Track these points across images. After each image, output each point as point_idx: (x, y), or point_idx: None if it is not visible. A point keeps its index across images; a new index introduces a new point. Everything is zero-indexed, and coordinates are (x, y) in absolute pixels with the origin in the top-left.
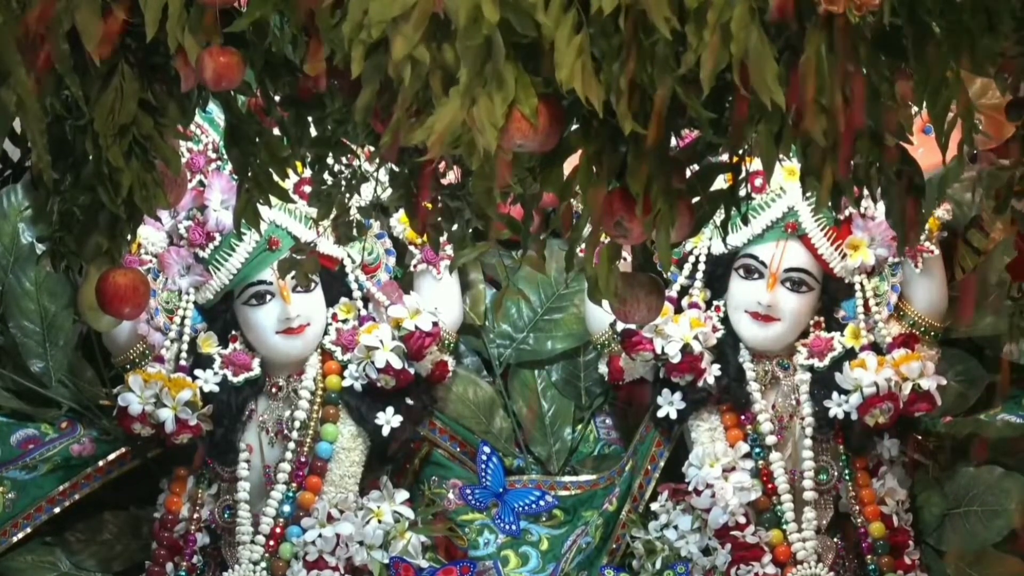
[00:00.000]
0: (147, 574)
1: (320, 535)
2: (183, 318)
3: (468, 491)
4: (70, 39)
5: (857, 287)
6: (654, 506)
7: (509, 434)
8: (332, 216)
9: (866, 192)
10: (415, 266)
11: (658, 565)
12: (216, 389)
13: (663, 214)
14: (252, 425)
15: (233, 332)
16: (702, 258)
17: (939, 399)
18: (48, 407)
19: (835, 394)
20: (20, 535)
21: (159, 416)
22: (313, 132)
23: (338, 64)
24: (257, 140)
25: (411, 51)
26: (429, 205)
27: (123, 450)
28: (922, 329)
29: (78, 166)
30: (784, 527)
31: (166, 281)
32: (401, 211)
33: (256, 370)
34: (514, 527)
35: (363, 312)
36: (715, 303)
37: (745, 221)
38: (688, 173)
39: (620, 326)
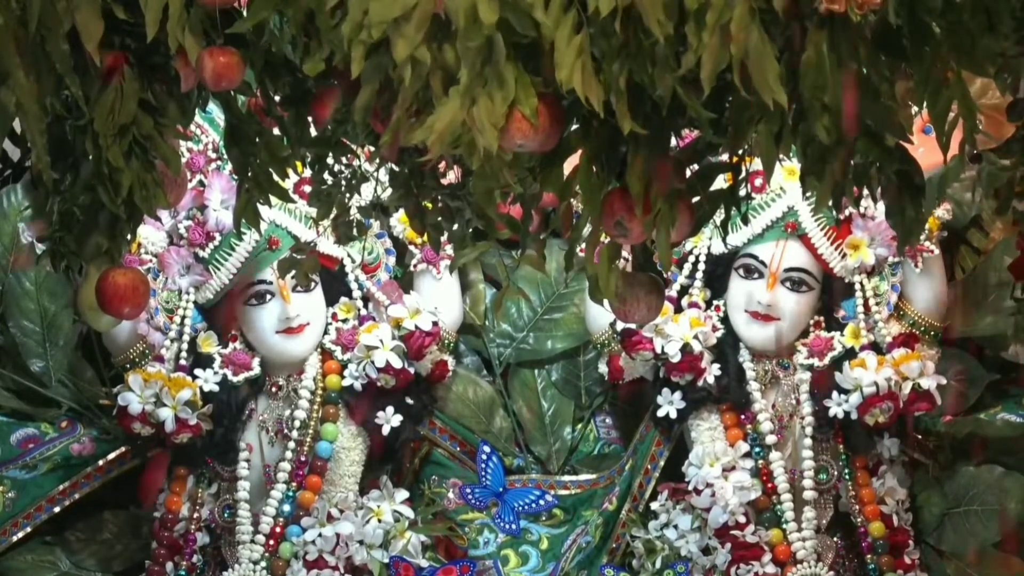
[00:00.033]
0: (147, 574)
1: (320, 534)
2: (183, 318)
3: (468, 491)
4: (70, 39)
5: (857, 287)
6: (654, 505)
7: (509, 434)
8: (332, 216)
9: (866, 192)
10: (415, 266)
11: (658, 564)
12: (216, 389)
13: (663, 214)
14: (252, 424)
15: (233, 332)
16: (702, 258)
17: (939, 399)
18: (48, 407)
19: (835, 394)
20: (20, 534)
21: (159, 416)
22: (313, 132)
23: (338, 64)
24: (257, 140)
25: (412, 52)
26: (429, 205)
27: (123, 450)
28: (922, 329)
29: (78, 166)
30: (784, 526)
31: (166, 281)
32: (401, 211)
33: (256, 370)
34: (514, 526)
35: (363, 312)
36: (715, 303)
37: (745, 221)
38: (688, 173)
39: (620, 326)
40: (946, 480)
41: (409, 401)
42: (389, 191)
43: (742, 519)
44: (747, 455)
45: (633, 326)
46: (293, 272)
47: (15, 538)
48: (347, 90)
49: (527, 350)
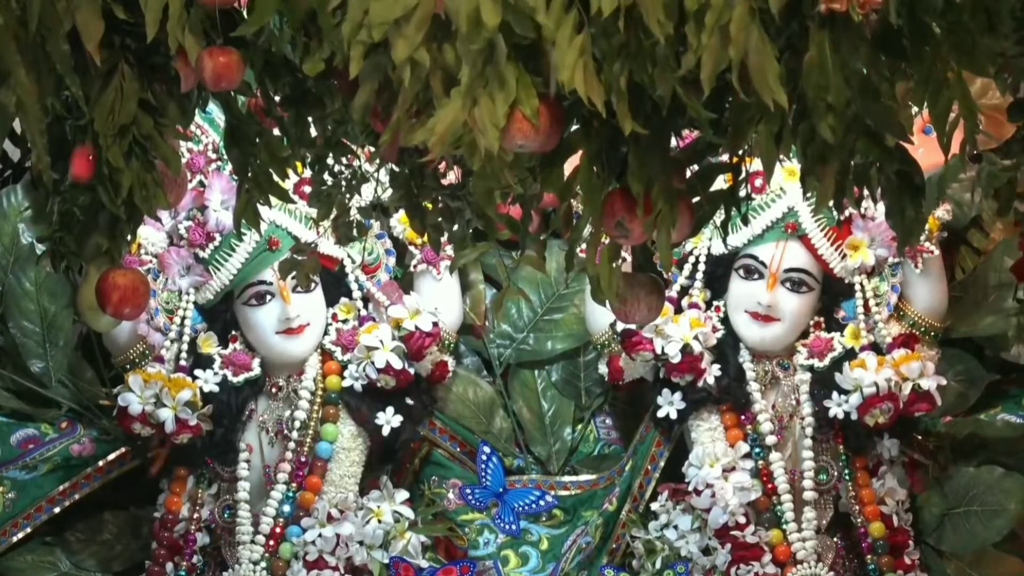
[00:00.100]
0: (147, 574)
1: (320, 535)
2: (183, 318)
3: (468, 491)
4: (70, 39)
5: (857, 287)
6: (654, 506)
7: (509, 434)
8: (332, 216)
9: (866, 192)
10: (415, 266)
11: (658, 565)
12: (216, 389)
13: (664, 214)
14: (252, 425)
15: (233, 332)
16: (702, 258)
17: (939, 399)
18: (48, 407)
19: (835, 394)
20: (20, 535)
21: (159, 416)
22: (313, 132)
23: (338, 65)
24: (257, 140)
25: (412, 53)
26: (429, 205)
27: (123, 450)
28: (922, 329)
29: None
30: (784, 527)
31: (166, 281)
32: (401, 211)
33: (256, 370)
34: (514, 527)
35: (363, 312)
36: (715, 303)
37: (745, 221)
38: (688, 173)
39: (620, 326)
40: (946, 481)
41: (409, 402)
42: (389, 191)
43: (742, 520)
44: (747, 456)
45: (633, 327)
46: (293, 273)
47: (15, 538)
48: (347, 90)
49: (527, 350)
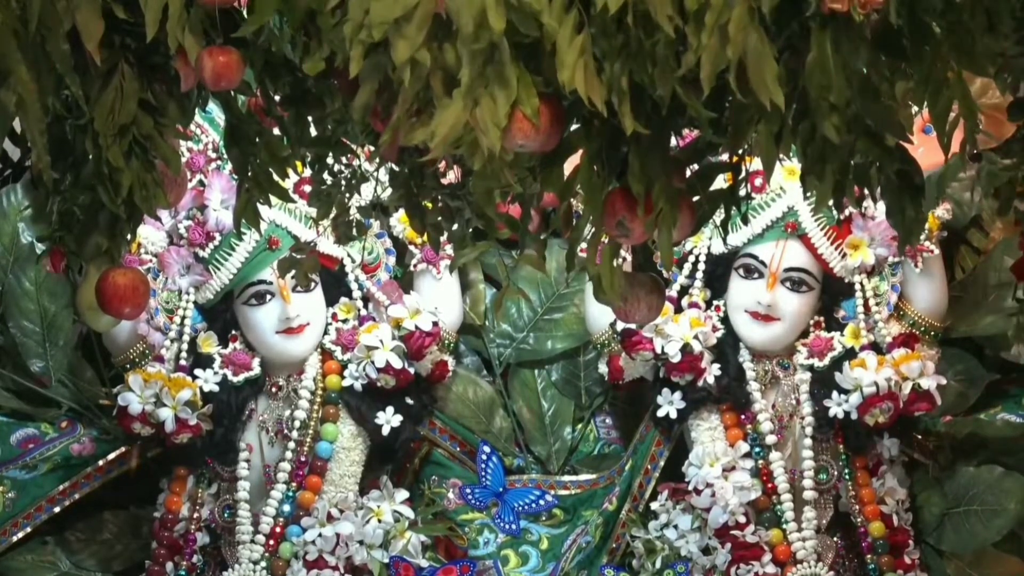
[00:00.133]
0: (147, 574)
1: (320, 534)
2: (183, 318)
3: (468, 491)
4: (70, 39)
5: (857, 287)
6: (654, 505)
7: (509, 434)
8: (332, 216)
9: (866, 192)
10: (415, 266)
11: (658, 564)
12: (216, 389)
13: (665, 213)
14: (252, 425)
15: (233, 332)
16: (702, 258)
17: (939, 399)
18: (48, 407)
19: (835, 394)
20: (20, 535)
21: (159, 416)
22: (313, 132)
23: (338, 65)
24: (257, 140)
25: (413, 53)
26: (429, 205)
27: (123, 450)
28: (922, 329)
29: (78, 166)
30: (784, 526)
31: (166, 281)
32: (401, 211)
33: (256, 370)
34: (514, 526)
35: (363, 312)
36: (715, 303)
37: (745, 221)
38: (688, 172)
39: (620, 326)
40: (946, 480)
41: (409, 401)
42: (389, 191)
43: (742, 519)
44: (747, 455)
45: (633, 326)
46: (293, 272)
47: (15, 538)
48: (347, 90)
49: (527, 350)
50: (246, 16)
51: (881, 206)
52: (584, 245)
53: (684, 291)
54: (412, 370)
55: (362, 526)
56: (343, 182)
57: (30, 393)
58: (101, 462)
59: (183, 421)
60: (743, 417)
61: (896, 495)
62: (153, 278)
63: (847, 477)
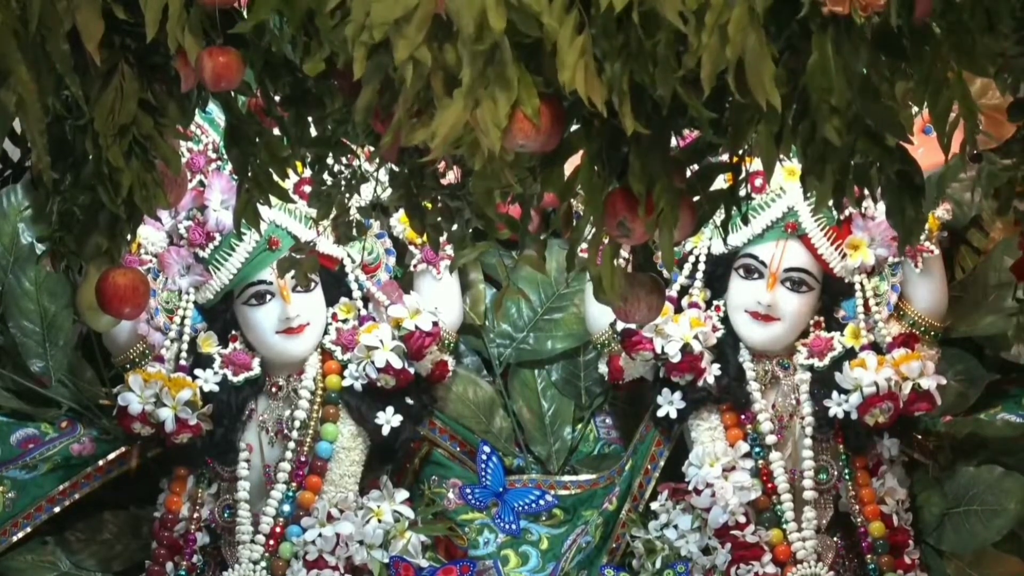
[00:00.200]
0: (147, 574)
1: (320, 534)
2: (183, 318)
3: (468, 491)
4: (70, 39)
5: (857, 287)
6: (654, 505)
7: (509, 434)
8: (332, 216)
9: (866, 192)
10: (415, 266)
11: (658, 564)
12: (216, 389)
13: (666, 214)
14: (252, 425)
15: (233, 332)
16: (702, 258)
17: (939, 399)
18: (48, 407)
19: (835, 394)
20: (20, 535)
21: (159, 416)
22: (313, 132)
23: (339, 65)
24: (257, 140)
25: (413, 53)
26: (429, 205)
27: (123, 450)
28: (922, 329)
29: (78, 166)
30: (784, 526)
31: (166, 281)
32: (401, 211)
33: (256, 370)
34: (514, 526)
35: (363, 312)
36: (715, 303)
37: (745, 221)
38: (688, 173)
39: (620, 326)
40: (946, 480)
41: (409, 401)
42: (389, 191)
43: (742, 519)
44: (747, 455)
45: (633, 326)
46: (293, 272)
47: (15, 538)
48: (347, 90)
49: (527, 350)
50: (246, 17)
51: (881, 206)
52: (584, 245)
53: (684, 291)
54: (412, 370)
55: (362, 526)
56: (343, 182)
57: (30, 393)
58: (101, 462)
59: (183, 421)
60: (743, 417)
61: (896, 495)
62: (153, 278)
63: (847, 477)
